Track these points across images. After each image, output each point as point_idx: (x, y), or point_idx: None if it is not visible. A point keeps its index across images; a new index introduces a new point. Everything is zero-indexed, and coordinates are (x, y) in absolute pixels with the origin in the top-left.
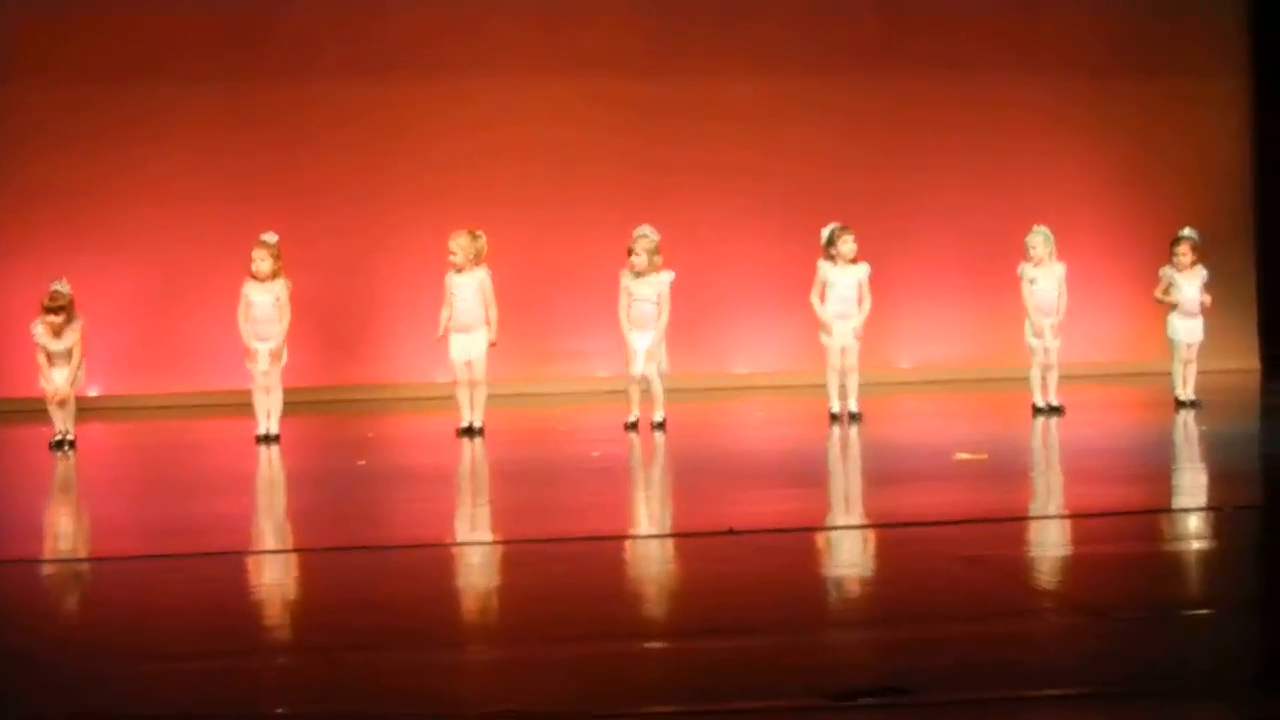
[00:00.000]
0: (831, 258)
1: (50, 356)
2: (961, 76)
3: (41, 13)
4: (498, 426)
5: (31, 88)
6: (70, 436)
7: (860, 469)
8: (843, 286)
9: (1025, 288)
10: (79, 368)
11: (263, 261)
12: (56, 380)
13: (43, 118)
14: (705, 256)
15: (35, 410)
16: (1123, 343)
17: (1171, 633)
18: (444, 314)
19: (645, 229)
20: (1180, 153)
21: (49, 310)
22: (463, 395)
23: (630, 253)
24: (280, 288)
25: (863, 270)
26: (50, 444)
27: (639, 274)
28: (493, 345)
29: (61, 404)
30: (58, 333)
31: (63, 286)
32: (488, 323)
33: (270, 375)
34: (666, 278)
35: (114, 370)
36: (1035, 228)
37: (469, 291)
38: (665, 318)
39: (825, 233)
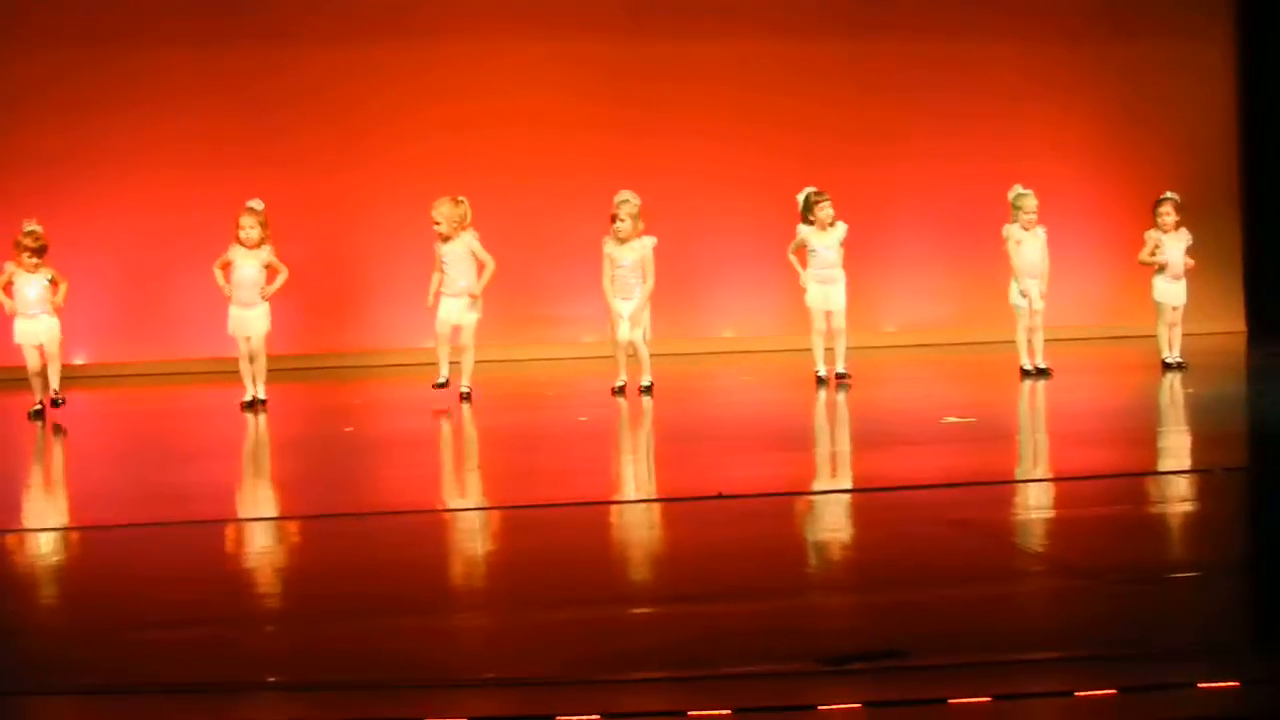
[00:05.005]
0: (810, 223)
1: (16, 296)
2: (940, 39)
3: None
4: (485, 392)
5: (9, 53)
6: (57, 397)
7: (848, 433)
8: (825, 251)
9: (1011, 248)
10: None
11: (251, 229)
12: (24, 328)
13: (22, 84)
14: (687, 221)
15: (16, 379)
16: (1108, 306)
17: (1162, 595)
18: (434, 280)
19: (626, 194)
20: (1164, 117)
21: (26, 250)
22: (442, 352)
23: (614, 219)
24: (267, 253)
25: (841, 230)
26: (30, 413)
27: (622, 240)
28: (474, 298)
29: (47, 366)
30: (34, 269)
31: (36, 226)
32: (479, 280)
33: (254, 341)
34: (649, 243)
35: (98, 338)
36: (1022, 189)
37: (457, 257)
38: (650, 283)
39: (801, 198)
